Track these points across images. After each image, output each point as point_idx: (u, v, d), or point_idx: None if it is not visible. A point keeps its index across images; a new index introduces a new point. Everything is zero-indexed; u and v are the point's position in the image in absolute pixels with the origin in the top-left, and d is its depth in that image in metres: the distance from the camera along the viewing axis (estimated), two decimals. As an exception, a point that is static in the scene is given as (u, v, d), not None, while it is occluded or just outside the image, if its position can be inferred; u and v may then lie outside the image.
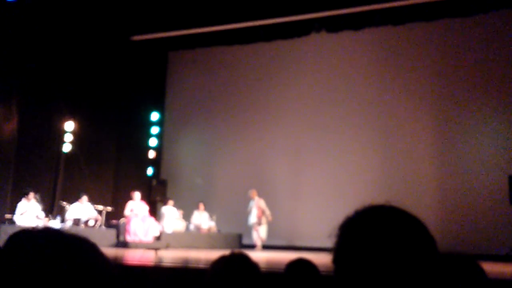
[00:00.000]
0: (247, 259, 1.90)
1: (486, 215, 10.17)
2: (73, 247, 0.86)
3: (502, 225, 9.91)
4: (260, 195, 12.29)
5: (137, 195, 10.81)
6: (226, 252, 1.96)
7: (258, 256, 8.06)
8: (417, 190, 10.85)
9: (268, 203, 12.14)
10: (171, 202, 11.82)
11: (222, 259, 1.88)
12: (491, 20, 10.72)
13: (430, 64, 11.37)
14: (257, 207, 11.03)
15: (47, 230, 0.89)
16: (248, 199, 11.50)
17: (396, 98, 11.58)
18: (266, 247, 11.23)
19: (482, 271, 1.35)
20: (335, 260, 0.98)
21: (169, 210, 11.66)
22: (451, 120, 11.04)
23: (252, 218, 11.05)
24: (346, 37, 11.98)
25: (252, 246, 11.29)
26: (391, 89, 11.64)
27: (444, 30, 11.23)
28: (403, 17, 11.16)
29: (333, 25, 11.89)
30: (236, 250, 1.97)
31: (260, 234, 10.96)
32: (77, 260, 0.83)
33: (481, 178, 10.44)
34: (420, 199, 10.69)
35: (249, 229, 11.85)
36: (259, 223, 10.93)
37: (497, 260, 8.55)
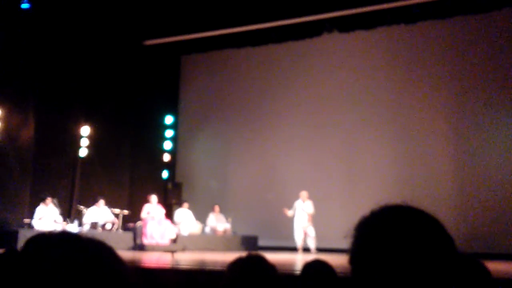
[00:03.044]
0: (263, 260, 1.90)
1: (503, 213, 10.03)
2: (89, 250, 0.87)
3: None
4: (275, 196, 12.28)
5: (153, 198, 10.88)
6: (242, 254, 1.96)
7: (274, 258, 8.05)
8: (433, 188, 10.74)
9: (284, 205, 12.12)
10: (186, 205, 11.87)
11: (239, 261, 1.88)
12: (505, 16, 10.58)
13: (444, 62, 11.25)
14: (305, 210, 10.63)
15: (63, 234, 0.90)
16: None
17: (410, 96, 11.48)
18: (281, 249, 11.20)
19: (486, 270, 1.33)
20: (351, 261, 0.97)
21: (184, 213, 11.70)
22: (467, 117, 10.91)
23: (303, 221, 10.60)
24: (358, 37, 11.91)
25: (268, 248, 11.27)
26: (405, 87, 11.54)
27: (458, 27, 11.10)
28: (415, 16, 11.07)
29: (345, 25, 11.84)
30: (253, 252, 1.97)
31: (311, 234, 10.54)
32: (93, 263, 0.84)
33: (497, 176, 10.30)
34: (437, 197, 10.57)
35: (265, 230, 11.84)
36: (307, 226, 10.54)
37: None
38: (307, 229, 10.55)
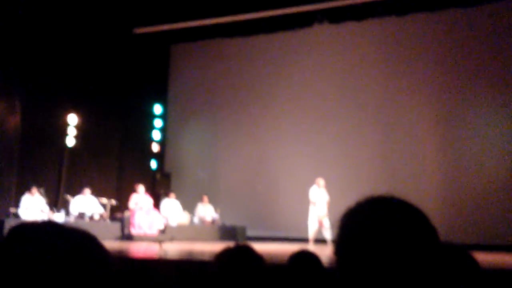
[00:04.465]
0: (251, 251, 1.90)
1: (489, 206, 10.15)
2: (73, 240, 0.86)
3: (506, 216, 9.89)
4: (264, 187, 12.30)
5: (141, 188, 10.84)
6: (230, 244, 1.96)
7: (263, 248, 8.08)
8: (420, 182, 10.83)
9: (272, 195, 12.16)
10: (172, 195, 11.85)
11: (226, 251, 1.88)
12: (495, 10, 10.63)
13: (433, 55, 11.29)
14: (322, 197, 10.05)
15: (47, 224, 0.89)
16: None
17: (399, 89, 11.53)
18: (270, 239, 11.24)
19: (474, 261, 1.35)
20: (336, 252, 0.97)
21: (171, 203, 11.68)
22: (455, 111, 10.99)
23: (321, 210, 9.97)
24: (349, 28, 11.91)
25: (257, 238, 11.30)
26: (395, 80, 11.58)
27: (448, 20, 11.14)
28: (406, 8, 11.09)
29: (336, 16, 11.83)
30: (241, 242, 1.98)
31: (326, 225, 9.84)
32: (77, 253, 0.83)
33: (484, 169, 10.41)
34: (424, 191, 10.66)
35: (254, 220, 11.85)
36: (324, 216, 9.91)
37: (501, 251, 8.56)
38: (323, 219, 9.90)
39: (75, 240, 0.87)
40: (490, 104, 10.61)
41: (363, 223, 0.94)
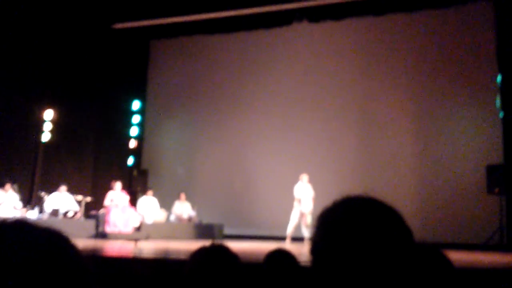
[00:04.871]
0: (226, 250, 1.89)
1: (464, 204, 10.33)
2: (44, 239, 0.84)
3: (480, 215, 10.08)
4: (241, 185, 12.31)
5: (117, 185, 10.72)
6: (206, 243, 1.95)
7: (239, 246, 8.08)
8: (396, 180, 10.98)
9: (250, 193, 12.17)
10: (150, 192, 11.75)
11: (201, 251, 1.86)
12: (468, 11, 10.84)
13: (409, 55, 11.45)
14: (307, 193, 9.97)
15: (17, 222, 0.86)
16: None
17: (376, 88, 11.65)
18: (247, 237, 11.26)
19: (447, 260, 1.36)
20: (312, 251, 0.97)
21: (148, 201, 11.59)
22: (431, 110, 11.16)
23: (306, 206, 9.86)
24: (327, 27, 11.99)
25: (234, 237, 11.30)
26: (372, 78, 11.70)
27: (425, 21, 11.30)
28: (384, 8, 11.22)
29: (315, 15, 11.90)
30: (216, 241, 1.96)
31: (308, 223, 9.71)
32: (47, 253, 0.81)
33: (459, 168, 10.60)
34: (399, 189, 10.82)
35: (231, 218, 11.85)
36: (310, 211, 9.79)
37: (475, 249, 8.74)
38: (307, 215, 9.78)
39: (46, 240, 0.84)
40: (465, 105, 10.80)
41: (339, 223, 0.94)
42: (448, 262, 1.38)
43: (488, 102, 10.44)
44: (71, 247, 0.87)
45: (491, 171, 9.89)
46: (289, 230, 10.06)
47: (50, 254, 0.82)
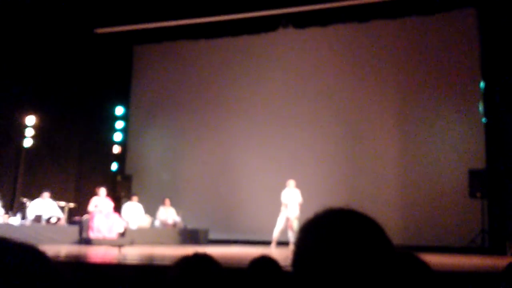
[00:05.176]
0: (210, 259, 1.87)
1: (447, 208, 10.45)
2: (18, 256, 0.82)
3: (463, 218, 10.20)
4: (226, 190, 12.29)
5: (102, 191, 10.61)
6: (190, 249, 1.93)
7: (224, 251, 8.05)
8: (379, 184, 11.06)
9: (235, 198, 12.15)
10: (135, 198, 11.66)
11: (184, 260, 1.85)
12: (453, 19, 10.99)
13: (394, 61, 11.57)
14: (295, 199, 9.97)
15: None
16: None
17: (361, 93, 11.74)
18: (232, 242, 11.24)
19: (422, 263, 1.37)
20: (294, 264, 0.98)
21: (133, 207, 11.50)
22: (414, 115, 11.27)
23: (292, 212, 9.88)
24: (313, 33, 12.05)
25: (219, 242, 11.27)
26: (357, 84, 11.79)
27: (409, 27, 11.43)
28: (368, 14, 11.31)
29: (300, 21, 11.95)
30: (199, 251, 1.94)
31: (294, 228, 9.68)
32: (22, 270, 0.79)
33: (442, 173, 10.71)
34: (383, 193, 10.91)
35: (216, 223, 11.82)
36: (296, 216, 9.79)
37: (457, 252, 8.83)
38: (293, 221, 9.80)
39: (21, 256, 0.83)
40: (449, 111, 10.93)
41: (319, 236, 0.94)
42: (424, 265, 1.39)
43: (471, 108, 10.58)
44: (47, 263, 0.86)
45: (474, 175, 10.03)
46: (275, 234, 10.12)
47: (25, 270, 0.80)
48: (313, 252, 0.93)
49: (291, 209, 9.98)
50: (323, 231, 0.95)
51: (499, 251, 8.75)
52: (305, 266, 0.94)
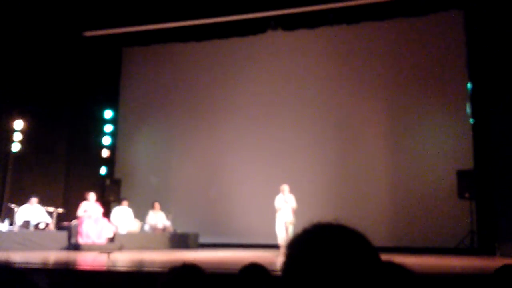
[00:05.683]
0: (199, 270, 1.86)
1: (435, 209, 10.51)
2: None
3: (451, 219, 10.26)
4: (216, 193, 12.25)
5: (92, 196, 10.52)
6: (179, 256, 1.91)
7: (215, 256, 8.01)
8: (368, 185, 11.11)
9: (225, 202, 12.12)
10: (125, 203, 11.58)
11: (172, 272, 1.83)
12: (440, 20, 11.06)
13: (382, 63, 11.62)
14: (289, 204, 9.75)
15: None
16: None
17: (350, 95, 11.78)
18: (222, 246, 11.20)
19: (407, 272, 1.37)
20: (282, 278, 0.98)
21: (123, 211, 11.41)
22: (403, 116, 11.33)
23: (286, 216, 9.66)
24: (301, 36, 12.07)
25: (210, 245, 11.23)
26: (346, 86, 11.83)
27: (397, 29, 11.50)
28: (356, 17, 11.35)
29: (289, 24, 11.95)
30: (188, 262, 1.93)
31: (290, 232, 9.53)
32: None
33: (431, 174, 10.77)
34: (372, 194, 10.95)
35: (206, 227, 11.78)
36: (291, 221, 9.59)
37: (446, 253, 8.88)
38: (289, 225, 9.60)
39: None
40: (437, 112, 11.00)
41: (308, 252, 0.94)
42: (409, 273, 1.39)
43: (459, 109, 10.66)
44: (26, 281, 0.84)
45: (462, 176, 10.10)
46: (280, 242, 9.67)
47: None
48: (302, 268, 0.92)
49: (285, 214, 9.74)
50: (311, 247, 0.94)
51: (488, 252, 8.81)
52: (294, 282, 0.94)
